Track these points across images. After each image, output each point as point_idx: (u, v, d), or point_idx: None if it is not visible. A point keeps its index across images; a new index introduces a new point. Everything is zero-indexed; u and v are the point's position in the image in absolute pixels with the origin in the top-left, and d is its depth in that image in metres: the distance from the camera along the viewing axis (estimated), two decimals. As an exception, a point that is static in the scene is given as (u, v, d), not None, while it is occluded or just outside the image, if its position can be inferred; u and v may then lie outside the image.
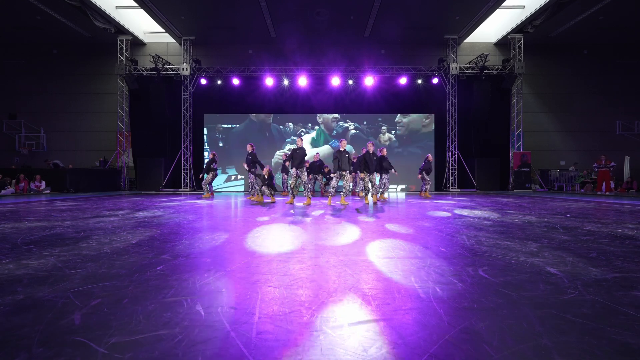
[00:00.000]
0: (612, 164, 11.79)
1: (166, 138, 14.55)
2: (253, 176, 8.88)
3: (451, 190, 14.00)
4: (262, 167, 8.58)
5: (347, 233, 3.47)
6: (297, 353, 1.08)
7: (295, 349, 1.10)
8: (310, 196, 7.60)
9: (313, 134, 14.63)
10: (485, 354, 1.07)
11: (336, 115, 14.66)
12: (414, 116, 14.68)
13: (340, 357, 1.06)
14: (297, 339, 1.18)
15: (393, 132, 14.68)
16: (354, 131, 14.67)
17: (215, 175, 9.75)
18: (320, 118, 14.70)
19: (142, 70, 14.13)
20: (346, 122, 14.71)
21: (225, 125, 14.67)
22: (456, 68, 13.95)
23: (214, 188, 9.41)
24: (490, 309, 1.43)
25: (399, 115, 14.65)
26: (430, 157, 10.45)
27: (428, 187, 10.46)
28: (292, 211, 5.78)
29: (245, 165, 9.03)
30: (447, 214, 5.28)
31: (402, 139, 14.60)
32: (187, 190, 14.07)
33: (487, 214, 5.23)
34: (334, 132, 14.63)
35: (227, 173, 14.44)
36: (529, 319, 1.33)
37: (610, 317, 1.35)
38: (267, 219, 4.67)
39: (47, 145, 15.14)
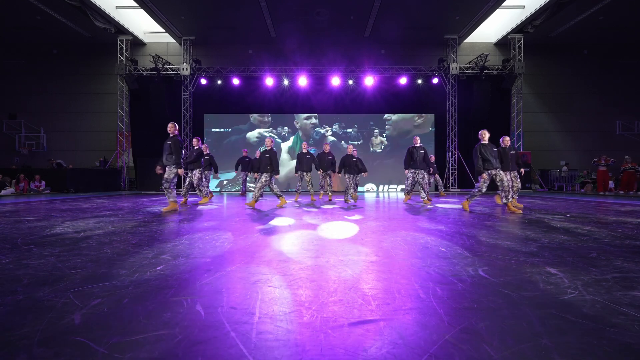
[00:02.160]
0: (612, 161, 12.00)
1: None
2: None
3: (451, 190, 14.00)
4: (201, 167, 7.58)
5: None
6: (297, 353, 1.08)
7: (295, 349, 1.10)
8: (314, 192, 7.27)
9: (290, 141, 14.57)
10: (485, 354, 1.07)
11: (314, 121, 14.58)
12: (405, 115, 14.62)
13: (340, 357, 1.06)
14: (297, 339, 1.18)
15: (385, 134, 14.67)
16: (331, 138, 14.57)
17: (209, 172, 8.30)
18: (298, 124, 14.60)
19: (142, 70, 14.13)
20: (323, 128, 14.61)
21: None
22: (456, 68, 13.95)
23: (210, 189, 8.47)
24: (490, 309, 1.43)
25: (386, 114, 14.60)
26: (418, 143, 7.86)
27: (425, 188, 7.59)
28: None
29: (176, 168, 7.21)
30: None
31: (392, 140, 14.55)
32: (187, 190, 14.06)
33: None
34: (311, 141, 14.50)
35: (219, 178, 14.43)
36: (529, 319, 1.32)
37: (610, 317, 1.35)
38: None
39: (47, 145, 15.14)
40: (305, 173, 8.39)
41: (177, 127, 5.99)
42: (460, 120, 14.32)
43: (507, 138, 6.44)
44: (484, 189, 5.60)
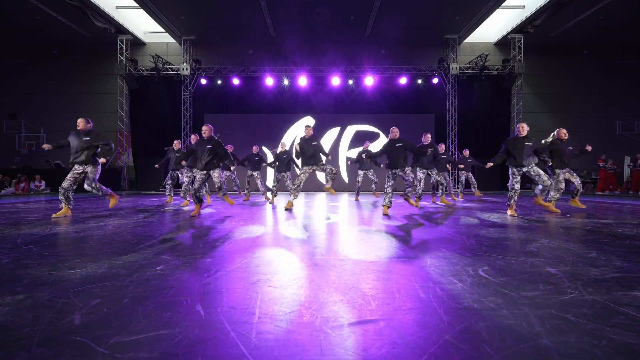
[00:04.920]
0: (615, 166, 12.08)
1: (166, 138, 14.55)
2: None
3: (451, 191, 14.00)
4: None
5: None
6: (297, 353, 1.08)
7: (295, 349, 1.10)
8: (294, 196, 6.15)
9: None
10: (485, 354, 1.07)
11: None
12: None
13: (340, 357, 1.06)
14: (297, 339, 1.17)
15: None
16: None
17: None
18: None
19: (142, 70, 14.13)
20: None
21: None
22: (456, 68, 13.94)
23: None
24: (490, 309, 1.43)
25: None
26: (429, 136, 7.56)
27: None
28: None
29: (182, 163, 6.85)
30: None
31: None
32: (187, 190, 14.08)
33: None
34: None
35: None
36: (529, 319, 1.32)
37: (610, 317, 1.35)
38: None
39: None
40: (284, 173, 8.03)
41: (91, 123, 5.03)
42: (460, 120, 14.32)
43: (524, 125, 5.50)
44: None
